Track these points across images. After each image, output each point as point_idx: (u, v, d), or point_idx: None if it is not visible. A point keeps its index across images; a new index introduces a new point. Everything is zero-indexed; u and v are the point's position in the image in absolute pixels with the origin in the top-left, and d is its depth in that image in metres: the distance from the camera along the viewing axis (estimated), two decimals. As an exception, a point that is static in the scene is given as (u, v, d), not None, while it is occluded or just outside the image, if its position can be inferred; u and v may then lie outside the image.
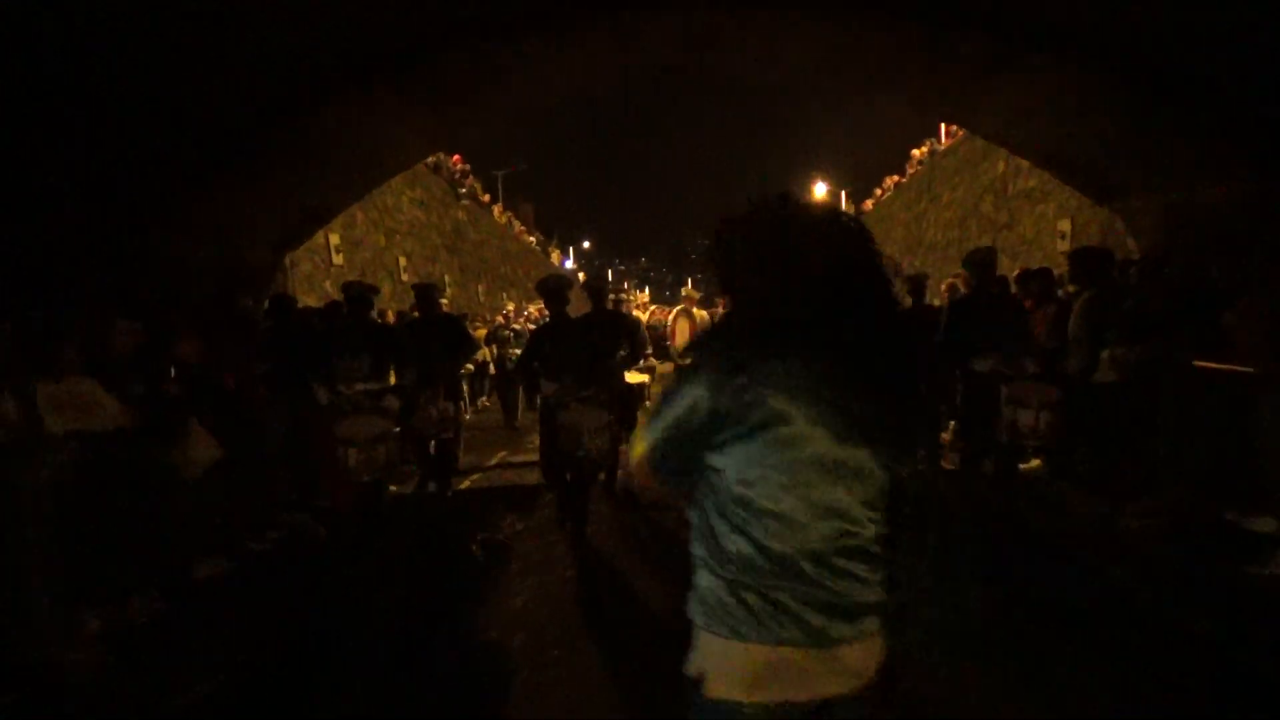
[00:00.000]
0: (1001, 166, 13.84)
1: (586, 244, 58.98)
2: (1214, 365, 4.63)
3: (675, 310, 9.84)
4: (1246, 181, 6.26)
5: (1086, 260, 5.68)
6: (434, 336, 6.41)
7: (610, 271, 71.11)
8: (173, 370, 4.69)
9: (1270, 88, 5.29)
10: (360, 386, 5.74)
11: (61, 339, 4.07)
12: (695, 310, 9.33)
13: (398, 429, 5.72)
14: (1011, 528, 5.16)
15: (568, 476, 5.23)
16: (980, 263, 5.85)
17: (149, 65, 4.79)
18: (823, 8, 6.03)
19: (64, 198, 5.24)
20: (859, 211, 28.47)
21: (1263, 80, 5.27)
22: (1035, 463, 6.22)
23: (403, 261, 13.92)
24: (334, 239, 11.19)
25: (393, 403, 5.87)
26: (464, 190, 19.00)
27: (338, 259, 11.29)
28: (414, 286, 7.56)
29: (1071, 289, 6.35)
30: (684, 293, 10.06)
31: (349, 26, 5.40)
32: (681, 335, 9.11)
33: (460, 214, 18.69)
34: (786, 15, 6.23)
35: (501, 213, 24.67)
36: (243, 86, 5.61)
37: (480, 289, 19.55)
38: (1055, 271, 7.28)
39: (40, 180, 5.03)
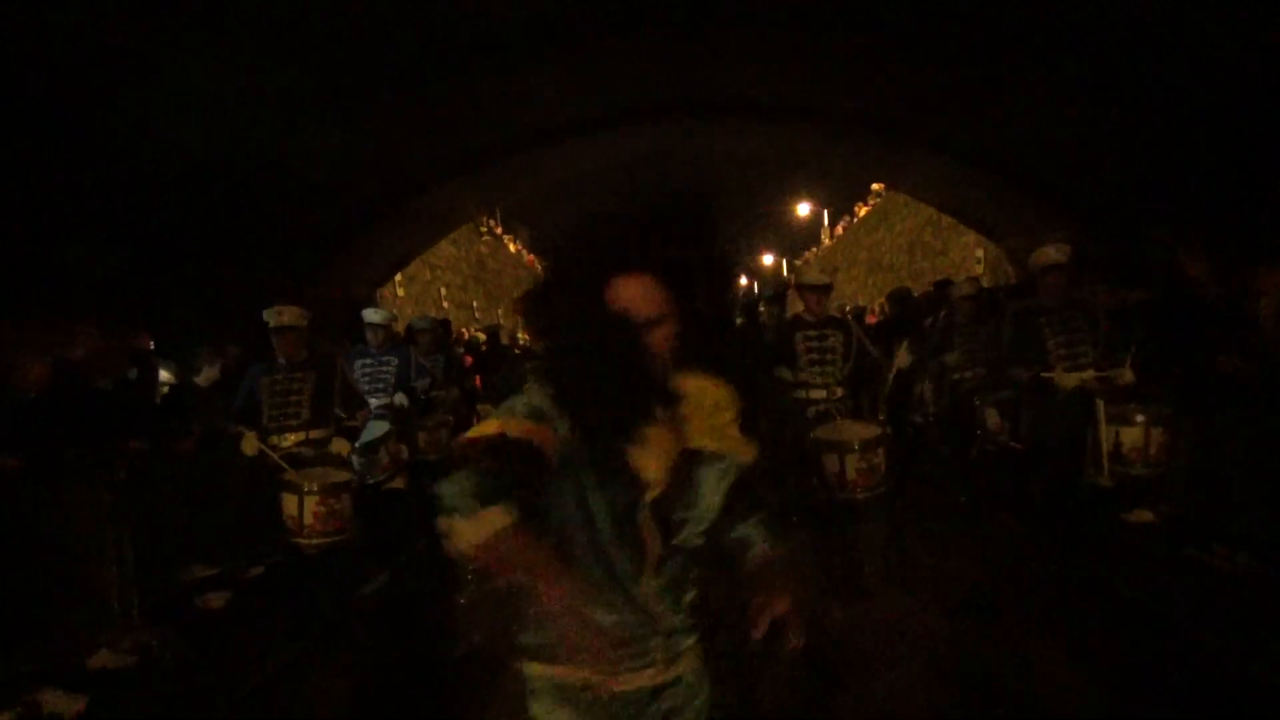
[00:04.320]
0: (938, 203, 16.77)
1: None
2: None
3: None
4: (1071, 230, 9.12)
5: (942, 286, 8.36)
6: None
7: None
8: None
9: (1082, 177, 8.10)
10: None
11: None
12: None
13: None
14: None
15: None
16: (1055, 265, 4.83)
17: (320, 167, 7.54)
18: (769, 118, 8.87)
19: (268, 264, 8.03)
20: (833, 234, 31.22)
21: (1077, 172, 8.08)
22: (1145, 515, 5.05)
23: (444, 291, 16.65)
24: (397, 275, 13.91)
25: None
26: (484, 229, 21.81)
27: (400, 291, 14.01)
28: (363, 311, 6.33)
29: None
30: None
31: (456, 139, 8.20)
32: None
33: (482, 248, 21.50)
34: (747, 121, 9.09)
35: (512, 242, 27.45)
36: (381, 178, 8.39)
37: (500, 313, 22.29)
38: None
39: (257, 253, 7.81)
